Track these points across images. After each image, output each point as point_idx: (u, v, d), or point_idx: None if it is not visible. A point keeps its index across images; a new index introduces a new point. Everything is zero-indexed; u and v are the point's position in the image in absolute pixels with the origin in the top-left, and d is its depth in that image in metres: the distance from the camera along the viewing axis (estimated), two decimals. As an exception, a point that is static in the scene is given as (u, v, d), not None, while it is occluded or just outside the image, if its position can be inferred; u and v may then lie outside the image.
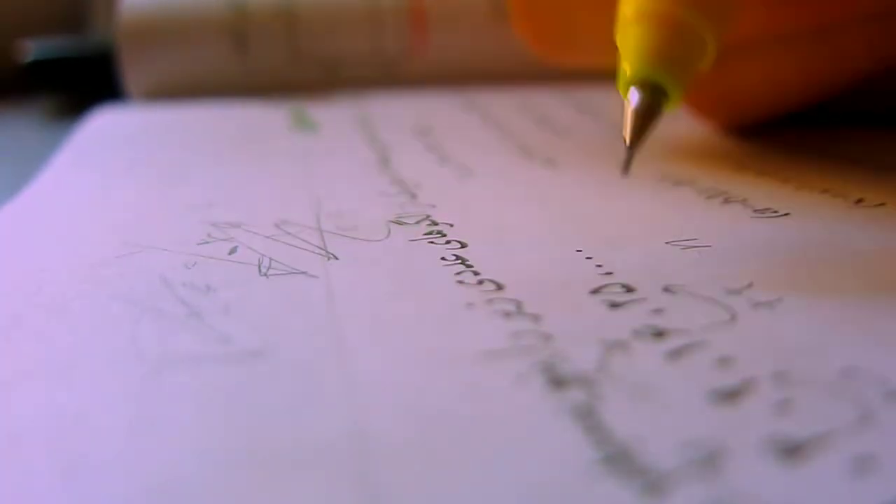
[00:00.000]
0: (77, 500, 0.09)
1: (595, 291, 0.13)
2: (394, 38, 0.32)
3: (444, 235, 0.16)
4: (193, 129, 0.27)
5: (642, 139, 0.14)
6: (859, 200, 0.17)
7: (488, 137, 0.25)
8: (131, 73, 0.31)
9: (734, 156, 0.21)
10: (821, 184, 0.18)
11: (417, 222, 0.17)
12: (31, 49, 0.33)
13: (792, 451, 0.09)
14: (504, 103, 0.29)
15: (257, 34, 0.32)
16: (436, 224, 0.17)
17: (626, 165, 0.14)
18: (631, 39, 0.14)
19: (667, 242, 0.15)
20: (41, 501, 0.09)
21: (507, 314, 0.13)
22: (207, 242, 0.16)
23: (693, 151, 0.22)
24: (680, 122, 0.24)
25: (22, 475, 0.09)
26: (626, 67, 0.14)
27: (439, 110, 0.28)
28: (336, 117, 0.28)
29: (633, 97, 0.14)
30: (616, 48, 0.15)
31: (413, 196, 0.19)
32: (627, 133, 0.14)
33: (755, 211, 0.17)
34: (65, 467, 0.09)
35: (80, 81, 0.33)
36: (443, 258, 0.15)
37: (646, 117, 0.14)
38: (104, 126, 0.27)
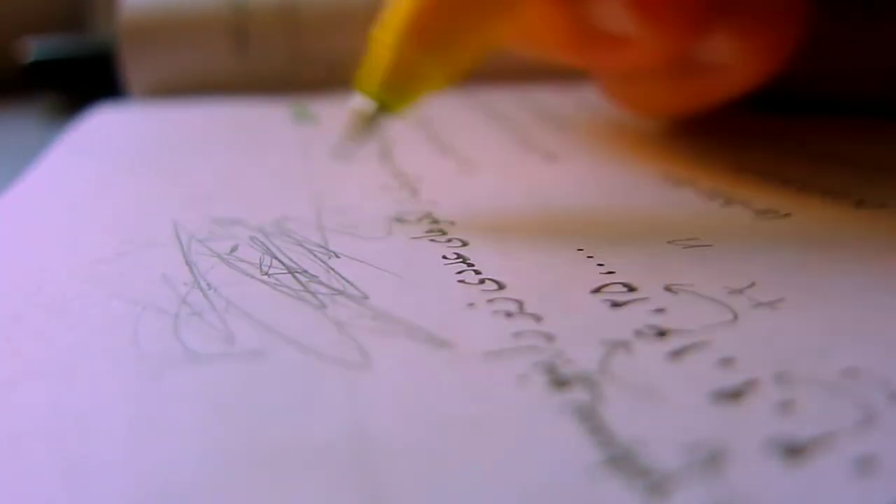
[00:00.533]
0: (77, 500, 0.09)
1: (596, 291, 0.13)
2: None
3: (446, 234, 0.16)
4: (193, 126, 0.27)
5: (359, 138, 0.17)
6: (860, 202, 0.17)
7: (489, 133, 0.25)
8: (132, 71, 0.31)
9: (735, 157, 0.21)
10: (822, 185, 0.18)
11: (418, 220, 0.17)
12: (32, 49, 0.33)
13: (794, 451, 0.09)
14: (505, 99, 0.29)
15: (258, 33, 0.32)
16: (437, 222, 0.17)
17: (339, 154, 0.18)
18: (370, 56, 0.17)
19: (668, 242, 0.15)
20: (41, 501, 0.09)
21: (509, 314, 0.13)
22: (208, 240, 0.16)
23: (694, 153, 0.22)
24: (679, 124, 0.24)
25: (22, 475, 0.09)
26: (361, 77, 0.17)
27: (440, 106, 0.28)
28: (337, 113, 0.28)
29: (360, 104, 0.17)
30: None
31: (414, 192, 0.19)
32: (347, 130, 0.17)
33: (756, 212, 0.17)
34: (65, 467, 0.09)
35: (81, 81, 0.33)
36: (444, 257, 0.15)
37: (363, 120, 0.17)
38: (102, 123, 0.27)
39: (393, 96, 0.17)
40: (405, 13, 0.17)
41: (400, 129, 0.25)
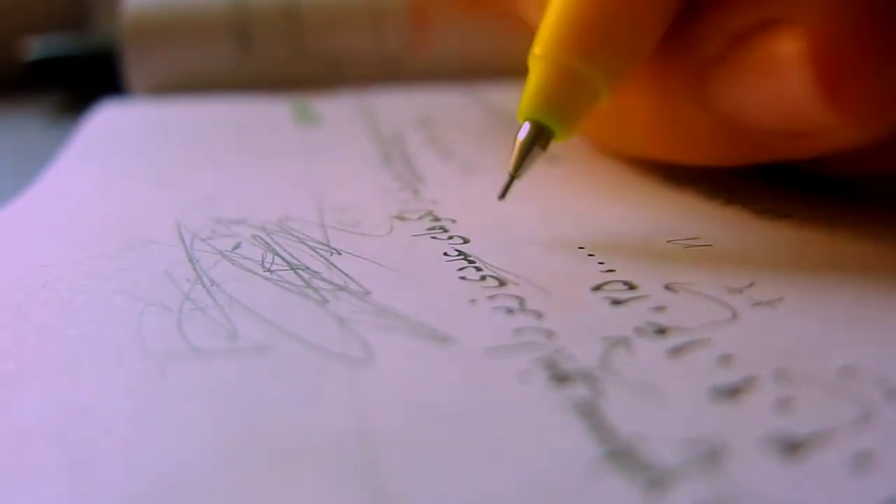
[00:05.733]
0: (82, 493, 0.09)
1: (597, 288, 0.13)
2: (396, 33, 0.32)
3: (447, 231, 0.16)
4: (197, 124, 0.27)
5: (523, 170, 0.15)
6: (860, 201, 0.17)
7: (491, 132, 0.25)
8: (135, 69, 0.31)
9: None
10: (822, 186, 0.18)
11: (420, 217, 0.17)
12: (34, 47, 0.33)
13: (793, 448, 0.09)
14: (506, 98, 0.29)
15: (260, 31, 0.32)
16: (438, 220, 0.17)
17: (504, 192, 0.15)
18: (530, 78, 0.15)
19: (668, 241, 0.15)
20: (46, 495, 0.09)
21: (510, 310, 0.13)
22: (211, 238, 0.16)
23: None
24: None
25: (27, 469, 0.09)
26: (522, 102, 0.15)
27: (442, 105, 0.28)
28: (339, 112, 0.28)
29: (522, 131, 0.15)
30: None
31: (416, 191, 0.19)
32: (511, 162, 0.15)
33: (756, 212, 0.17)
34: (70, 461, 0.09)
35: (83, 79, 0.33)
36: (445, 254, 0.15)
37: (528, 151, 0.15)
38: (108, 122, 0.27)
39: (558, 116, 0.15)
40: (563, 21, 0.15)
41: (400, 130, 0.25)
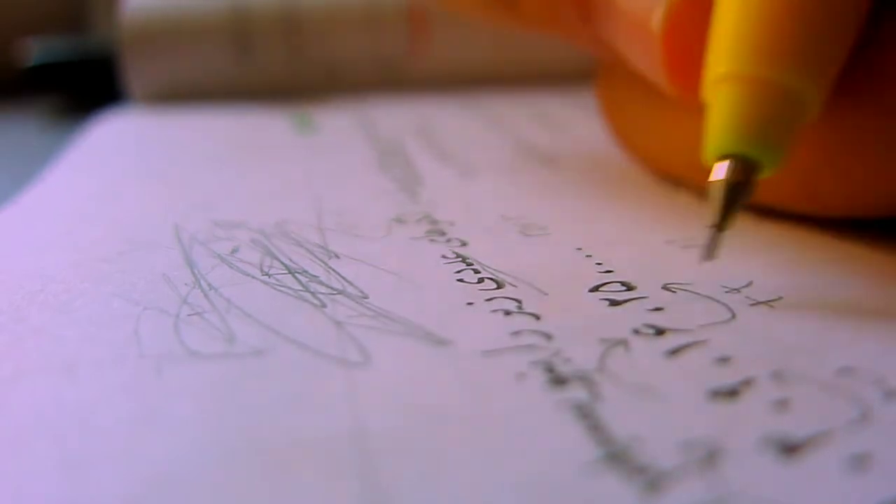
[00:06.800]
0: (79, 493, 0.09)
1: (595, 289, 0.13)
2: (394, 40, 0.32)
3: (445, 234, 0.16)
4: (196, 132, 0.27)
5: (730, 219, 0.12)
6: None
7: (488, 137, 0.25)
8: (134, 76, 0.31)
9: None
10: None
11: (418, 220, 0.17)
12: (33, 52, 0.33)
13: (790, 448, 0.09)
14: (504, 103, 0.29)
15: (259, 37, 0.32)
16: (437, 222, 0.17)
17: (711, 250, 0.13)
18: (722, 104, 0.12)
19: (666, 242, 0.15)
20: (43, 495, 0.09)
21: (508, 313, 0.13)
22: (210, 241, 0.16)
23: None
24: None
25: (24, 469, 0.09)
26: (713, 135, 0.13)
27: (440, 111, 0.28)
28: (337, 118, 0.28)
29: (718, 171, 0.12)
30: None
31: (414, 195, 0.19)
32: (714, 213, 0.12)
33: (755, 212, 0.17)
34: (67, 461, 0.09)
35: (82, 84, 0.34)
36: (443, 256, 0.15)
37: (735, 195, 0.12)
38: (109, 130, 0.27)
39: (769, 144, 0.12)
40: (757, 32, 0.12)
41: (399, 136, 0.25)
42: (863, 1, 0.13)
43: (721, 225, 0.12)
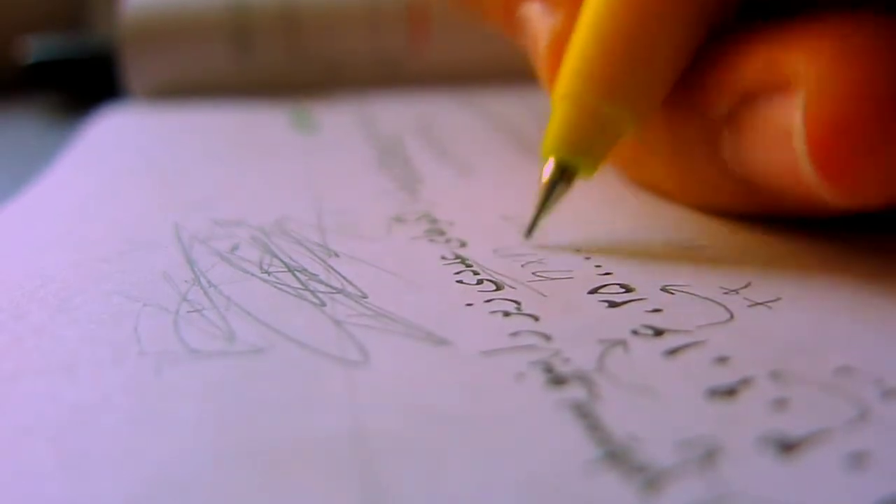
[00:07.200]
0: (78, 492, 0.09)
1: (594, 291, 0.13)
2: (394, 37, 0.32)
3: (444, 234, 0.16)
4: (196, 129, 0.27)
5: (547, 209, 0.15)
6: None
7: (488, 136, 0.25)
8: (134, 72, 0.31)
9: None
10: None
11: (418, 219, 0.17)
12: (33, 49, 0.33)
13: (788, 447, 0.09)
14: (504, 102, 0.29)
15: (259, 35, 0.32)
16: (436, 221, 0.17)
17: (529, 230, 0.16)
18: (554, 117, 0.15)
19: (665, 243, 0.15)
20: (43, 494, 0.09)
21: (507, 314, 0.13)
22: (209, 239, 0.16)
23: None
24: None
25: (24, 468, 0.09)
26: (545, 141, 0.15)
27: (440, 109, 0.28)
28: (337, 117, 0.28)
29: (546, 169, 0.15)
30: None
31: (413, 194, 0.19)
32: (537, 203, 0.15)
33: (752, 218, 0.17)
34: (67, 460, 0.09)
35: (82, 81, 0.34)
36: (443, 257, 0.15)
37: (552, 190, 0.15)
38: (108, 128, 0.27)
39: (584, 155, 0.15)
40: (586, 62, 0.15)
41: (399, 134, 0.25)
42: (692, 34, 0.15)
43: (539, 213, 0.15)
